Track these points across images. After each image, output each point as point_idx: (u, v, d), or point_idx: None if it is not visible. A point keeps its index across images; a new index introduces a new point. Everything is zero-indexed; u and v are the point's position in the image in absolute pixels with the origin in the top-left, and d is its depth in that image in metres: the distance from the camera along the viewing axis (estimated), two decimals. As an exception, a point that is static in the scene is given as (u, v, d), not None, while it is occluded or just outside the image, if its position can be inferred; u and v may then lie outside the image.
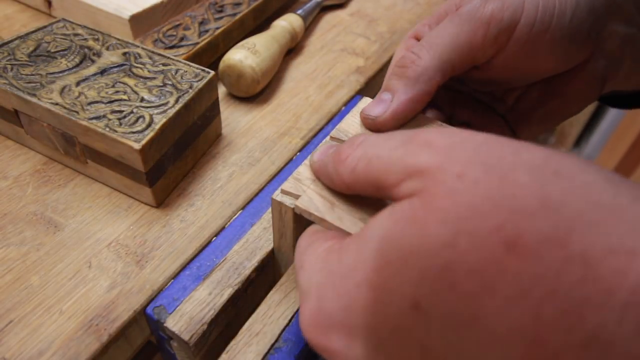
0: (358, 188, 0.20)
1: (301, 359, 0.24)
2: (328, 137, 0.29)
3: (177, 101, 0.30)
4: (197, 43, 0.39)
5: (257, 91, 0.39)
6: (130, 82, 0.32)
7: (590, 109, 1.91)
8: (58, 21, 0.36)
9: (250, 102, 0.40)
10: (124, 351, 0.26)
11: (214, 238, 0.30)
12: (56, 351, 0.24)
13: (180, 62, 0.34)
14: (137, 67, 0.33)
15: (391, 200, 0.18)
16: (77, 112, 0.29)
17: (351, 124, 0.30)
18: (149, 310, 0.26)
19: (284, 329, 0.25)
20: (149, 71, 0.33)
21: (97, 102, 0.30)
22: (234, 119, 0.38)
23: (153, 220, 0.30)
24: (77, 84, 0.31)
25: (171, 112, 0.30)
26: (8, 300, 0.25)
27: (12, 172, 0.32)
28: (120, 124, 0.28)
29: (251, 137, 0.37)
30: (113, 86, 0.31)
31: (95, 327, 0.25)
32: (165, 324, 0.25)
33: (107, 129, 0.28)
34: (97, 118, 0.29)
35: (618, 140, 1.59)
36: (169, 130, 0.29)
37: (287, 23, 0.44)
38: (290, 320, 0.25)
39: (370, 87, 0.45)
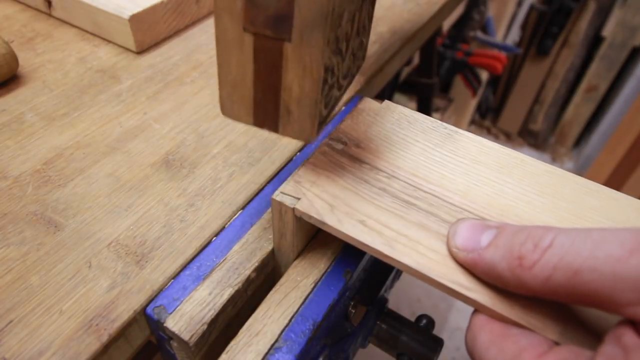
0: (552, 297, 0.18)
1: (301, 359, 0.24)
2: (327, 138, 0.29)
3: None
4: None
5: (257, 91, 0.39)
6: None
7: (590, 109, 1.91)
8: None
9: (250, 102, 0.40)
10: (124, 351, 0.26)
11: (214, 238, 0.30)
12: (56, 351, 0.24)
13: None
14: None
15: (619, 315, 0.16)
16: None
17: (351, 124, 0.30)
18: (149, 310, 0.26)
19: (284, 329, 0.25)
20: None
21: None
22: (234, 119, 0.38)
23: (153, 220, 0.30)
24: None
25: None
26: (8, 300, 0.25)
27: (12, 172, 0.32)
28: None
29: (251, 137, 0.37)
30: None
31: (95, 327, 0.25)
32: (165, 324, 0.25)
33: None
34: None
35: (618, 141, 1.60)
36: None
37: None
38: (290, 320, 0.25)
39: (370, 87, 0.44)
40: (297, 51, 0.21)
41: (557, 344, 0.19)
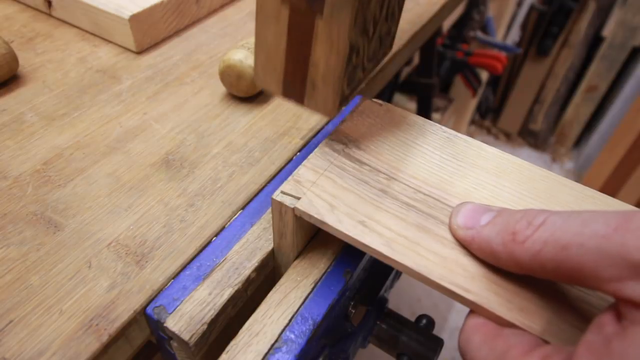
0: (539, 273, 0.18)
1: (301, 359, 0.24)
2: (327, 139, 0.29)
3: None
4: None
5: (257, 91, 0.39)
6: None
7: (590, 109, 1.91)
8: None
9: (250, 102, 0.40)
10: (124, 351, 0.26)
11: (214, 238, 0.30)
12: (56, 351, 0.24)
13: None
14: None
15: (601, 292, 0.16)
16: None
17: (351, 126, 0.30)
18: (149, 310, 0.26)
19: (284, 329, 0.25)
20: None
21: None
22: (234, 119, 0.38)
23: (153, 220, 0.30)
24: None
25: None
26: (8, 300, 0.25)
27: (12, 172, 0.32)
28: None
29: (251, 137, 0.37)
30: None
31: (95, 327, 0.25)
32: (165, 324, 0.25)
33: None
34: None
35: (618, 140, 1.60)
36: None
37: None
38: (290, 320, 0.25)
39: (370, 87, 0.45)
40: (327, 27, 0.23)
41: (547, 342, 0.19)
